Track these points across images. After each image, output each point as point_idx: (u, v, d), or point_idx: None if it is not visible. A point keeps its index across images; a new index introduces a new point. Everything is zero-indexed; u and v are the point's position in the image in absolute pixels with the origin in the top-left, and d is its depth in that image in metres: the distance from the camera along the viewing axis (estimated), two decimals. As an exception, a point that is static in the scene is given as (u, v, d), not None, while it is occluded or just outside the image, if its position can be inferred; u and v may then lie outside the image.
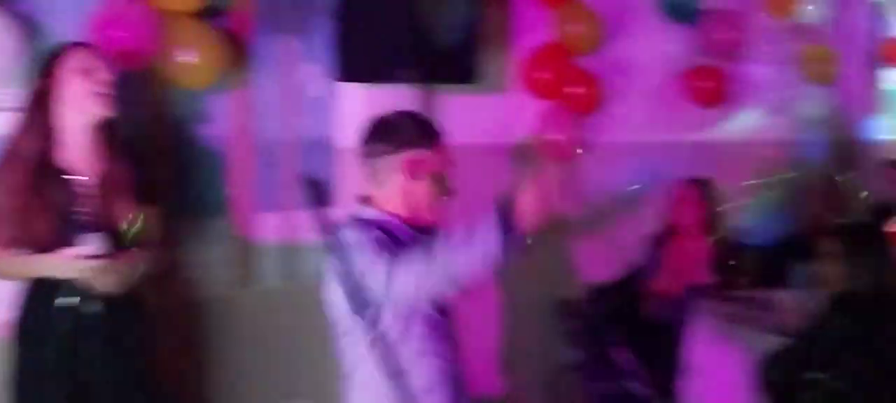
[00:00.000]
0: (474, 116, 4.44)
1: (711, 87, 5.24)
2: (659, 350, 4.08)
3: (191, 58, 3.46)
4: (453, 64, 3.61)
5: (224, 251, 3.85)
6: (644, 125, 5.08)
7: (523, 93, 4.62)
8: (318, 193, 2.10)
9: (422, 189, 2.40)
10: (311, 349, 4.06)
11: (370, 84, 3.86)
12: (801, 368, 3.29)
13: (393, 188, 2.39)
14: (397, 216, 2.39)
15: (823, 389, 3.22)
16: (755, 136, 5.61)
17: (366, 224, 2.34)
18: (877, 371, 3.14)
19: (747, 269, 4.80)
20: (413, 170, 2.37)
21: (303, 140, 4.00)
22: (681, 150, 5.08)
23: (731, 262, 4.84)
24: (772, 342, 3.69)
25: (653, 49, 5.12)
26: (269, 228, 3.97)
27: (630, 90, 5.02)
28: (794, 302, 4.05)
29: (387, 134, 2.42)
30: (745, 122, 5.57)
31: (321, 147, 4.02)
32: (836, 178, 5.21)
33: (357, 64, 3.72)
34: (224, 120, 3.83)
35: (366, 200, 2.44)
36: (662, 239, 4.58)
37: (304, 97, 4.01)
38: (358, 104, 3.91)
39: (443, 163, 2.43)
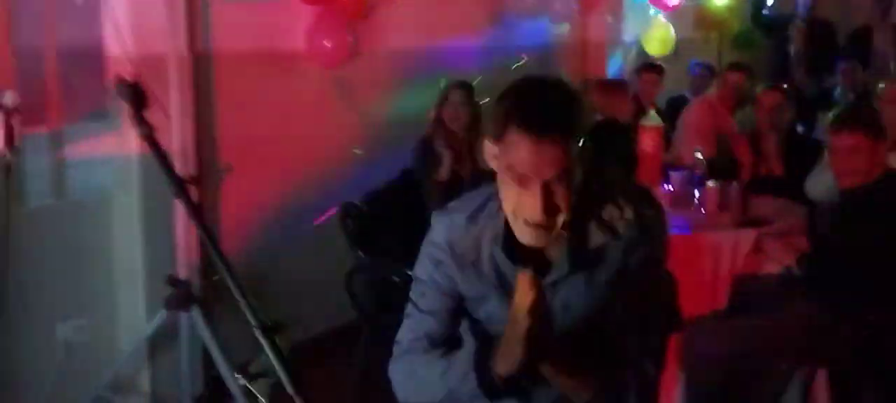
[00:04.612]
0: (247, 23, 4.38)
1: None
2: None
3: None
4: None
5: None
6: (411, 31, 5.21)
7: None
8: (136, 97, 1.90)
9: (509, 196, 1.85)
10: (86, 267, 3.94)
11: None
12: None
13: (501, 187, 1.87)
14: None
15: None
16: (510, 42, 5.90)
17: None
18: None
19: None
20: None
21: (69, 48, 3.78)
22: (448, 54, 5.27)
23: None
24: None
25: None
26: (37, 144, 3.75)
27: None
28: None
29: (497, 105, 1.85)
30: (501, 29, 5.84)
31: (90, 56, 3.82)
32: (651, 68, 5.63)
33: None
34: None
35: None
36: (432, 141, 4.75)
37: (69, 2, 3.77)
38: (127, 9, 3.74)
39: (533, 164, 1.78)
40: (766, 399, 3.45)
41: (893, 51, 6.73)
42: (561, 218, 1.83)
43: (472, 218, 2.01)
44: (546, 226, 1.81)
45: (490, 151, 1.87)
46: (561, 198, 1.80)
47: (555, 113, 1.78)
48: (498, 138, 1.82)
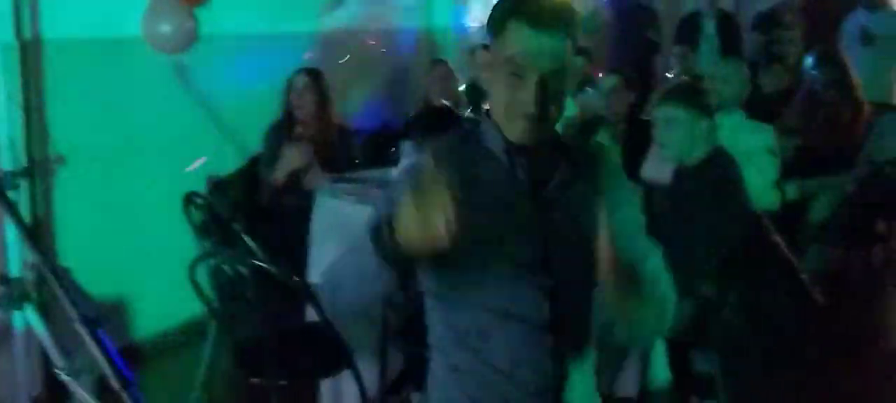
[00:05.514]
0: (80, 8, 4.20)
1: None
2: (284, 235, 4.23)
3: None
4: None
5: None
6: (253, 16, 5.12)
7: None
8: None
9: (504, 94, 1.87)
10: None
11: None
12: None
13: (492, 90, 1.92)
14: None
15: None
16: (357, 27, 5.89)
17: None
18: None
19: (357, 151, 5.09)
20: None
21: None
22: (291, 41, 5.20)
23: (344, 146, 5.10)
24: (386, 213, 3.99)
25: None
26: None
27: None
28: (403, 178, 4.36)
29: (498, 5, 1.90)
30: (346, 13, 5.81)
31: None
32: (439, 62, 5.72)
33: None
34: None
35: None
36: (281, 129, 4.69)
37: None
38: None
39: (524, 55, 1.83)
40: (607, 369, 3.57)
41: (720, 36, 7.07)
42: (554, 114, 1.86)
43: (463, 139, 1.99)
44: (540, 119, 1.83)
45: (484, 59, 1.92)
46: (555, 94, 1.84)
47: (553, 8, 1.83)
48: (496, 33, 1.86)
